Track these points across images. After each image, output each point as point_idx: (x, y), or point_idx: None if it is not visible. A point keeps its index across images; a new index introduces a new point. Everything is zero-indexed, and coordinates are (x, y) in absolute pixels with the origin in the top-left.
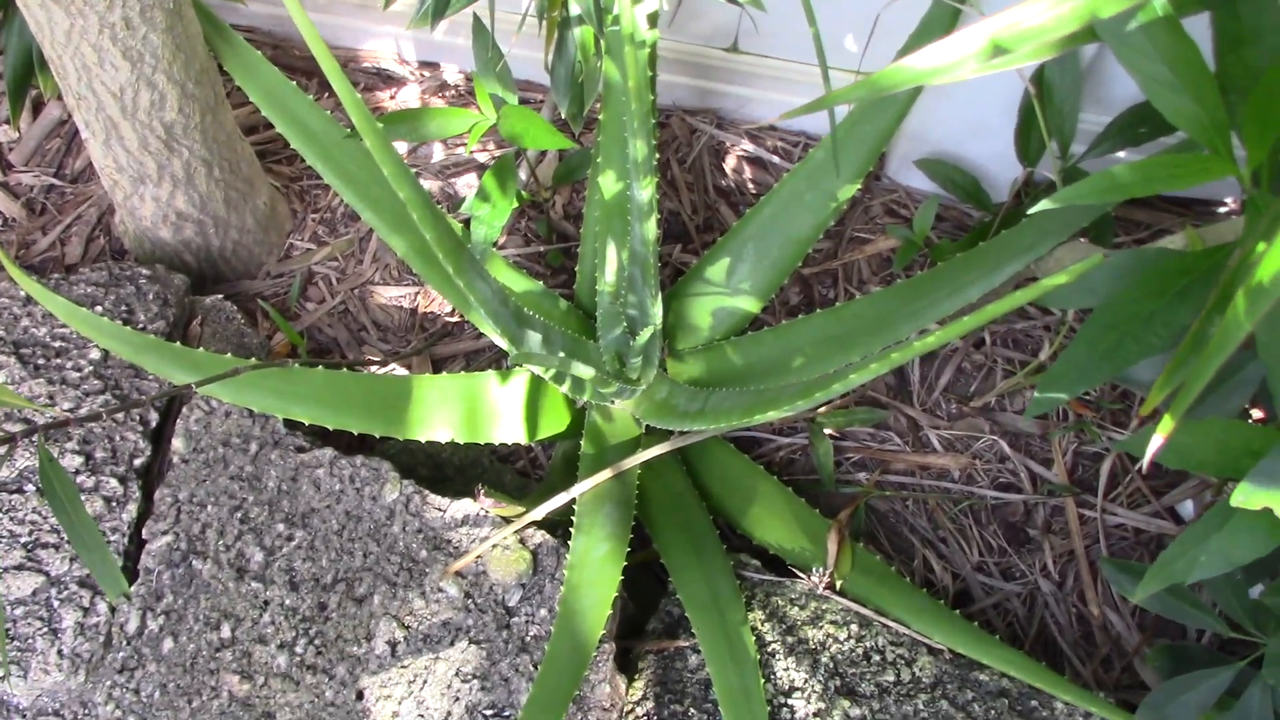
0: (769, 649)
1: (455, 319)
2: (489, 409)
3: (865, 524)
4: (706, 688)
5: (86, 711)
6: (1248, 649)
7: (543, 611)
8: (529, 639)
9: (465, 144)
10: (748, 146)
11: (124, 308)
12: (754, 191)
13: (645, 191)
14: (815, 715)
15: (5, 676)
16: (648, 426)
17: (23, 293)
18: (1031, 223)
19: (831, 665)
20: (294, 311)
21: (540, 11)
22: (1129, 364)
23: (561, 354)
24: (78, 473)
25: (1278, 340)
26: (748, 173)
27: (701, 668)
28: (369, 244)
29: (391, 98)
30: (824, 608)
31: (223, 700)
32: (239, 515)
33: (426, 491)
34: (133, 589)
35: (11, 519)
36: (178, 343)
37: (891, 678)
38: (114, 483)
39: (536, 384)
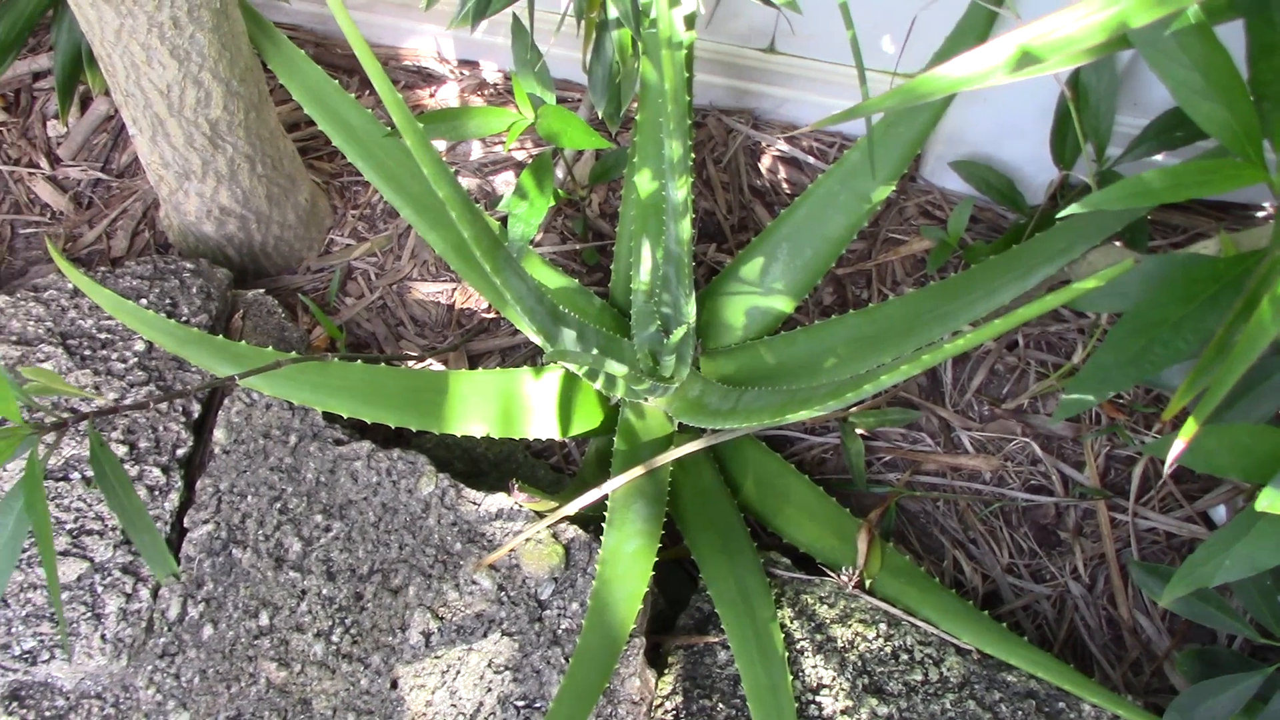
0: (798, 646)
1: (491, 315)
2: (523, 404)
3: (895, 524)
4: (735, 683)
5: (128, 695)
6: (1278, 655)
7: (574, 605)
8: (560, 632)
9: (503, 142)
10: (783, 147)
11: (168, 301)
12: (789, 192)
13: (680, 191)
14: (843, 713)
15: (64, 655)
16: (680, 424)
17: (70, 285)
18: (1065, 226)
19: (860, 663)
20: (333, 306)
21: (579, 12)
22: (1157, 369)
23: (595, 351)
24: (122, 461)
25: None
26: (783, 173)
27: (730, 663)
28: (407, 240)
29: (431, 96)
30: (853, 606)
31: (260, 687)
32: (278, 506)
33: (461, 485)
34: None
35: (58, 506)
36: (220, 336)
37: (919, 677)
38: (157, 472)
39: (570, 380)
